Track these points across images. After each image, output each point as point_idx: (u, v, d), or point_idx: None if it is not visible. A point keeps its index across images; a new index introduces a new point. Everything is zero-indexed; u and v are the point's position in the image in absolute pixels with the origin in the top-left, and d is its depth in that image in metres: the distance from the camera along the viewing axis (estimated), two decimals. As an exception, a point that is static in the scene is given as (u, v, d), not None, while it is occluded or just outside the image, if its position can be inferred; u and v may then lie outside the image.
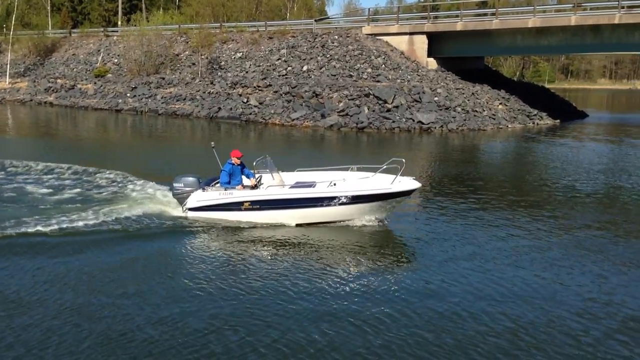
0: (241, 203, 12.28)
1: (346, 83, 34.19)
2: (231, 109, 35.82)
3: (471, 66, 41.20)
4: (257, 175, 13.04)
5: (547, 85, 58.33)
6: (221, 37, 45.65)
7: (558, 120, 37.24)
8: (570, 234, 11.84)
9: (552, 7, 52.05)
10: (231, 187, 12.52)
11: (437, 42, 39.37)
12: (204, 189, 12.73)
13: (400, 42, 39.61)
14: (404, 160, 11.89)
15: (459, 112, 32.77)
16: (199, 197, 12.67)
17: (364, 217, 12.20)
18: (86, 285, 8.69)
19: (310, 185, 12.37)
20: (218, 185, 12.82)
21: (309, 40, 40.67)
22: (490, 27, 36.46)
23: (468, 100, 34.48)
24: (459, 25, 37.54)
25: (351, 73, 35.77)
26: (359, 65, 36.48)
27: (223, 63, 42.48)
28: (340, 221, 12.25)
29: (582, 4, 35.35)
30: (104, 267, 9.45)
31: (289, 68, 38.18)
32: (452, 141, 27.97)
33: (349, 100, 32.65)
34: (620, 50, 38.44)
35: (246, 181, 12.81)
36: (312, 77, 36.16)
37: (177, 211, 12.91)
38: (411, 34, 39.39)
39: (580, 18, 33.42)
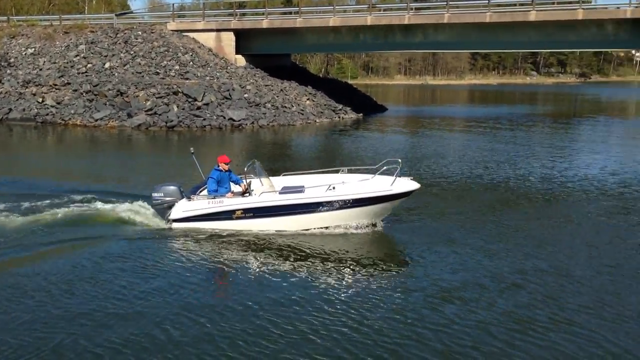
0: (233, 211, 11.53)
1: (153, 81, 32.97)
2: (24, 109, 32.67)
3: (279, 63, 42.15)
4: (246, 182, 12.17)
5: (350, 81, 61.78)
6: (9, 31, 41.32)
7: (361, 114, 39.65)
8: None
9: (350, 7, 55.19)
10: (220, 194, 11.71)
11: (245, 39, 39.64)
12: (189, 198, 11.86)
13: (208, 39, 39.22)
14: (399, 160, 11.77)
15: (269, 109, 33.35)
16: (185, 207, 11.76)
17: (362, 220, 11.72)
18: (59, 310, 8.01)
19: (301, 190, 11.72)
20: (204, 193, 12.00)
21: (110, 36, 38.43)
22: (295, 25, 37.59)
23: (277, 96, 35.23)
24: (265, 23, 38.17)
25: (158, 70, 34.56)
26: (165, 62, 35.38)
27: (12, 60, 38.45)
28: (338, 226, 11.69)
29: (376, 5, 37.96)
30: (81, 290, 8.72)
31: (89, 65, 35.75)
32: (264, 137, 28.39)
33: (156, 98, 31.53)
34: (408, 49, 41.92)
35: (236, 188, 12.05)
36: (116, 74, 34.27)
37: (154, 222, 12.06)
38: (218, 30, 39.18)
39: (375, 18, 35.85)
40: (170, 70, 34.57)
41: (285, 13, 43.21)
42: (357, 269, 9.84)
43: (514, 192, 15.92)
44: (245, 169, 12.32)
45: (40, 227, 11.61)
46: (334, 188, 11.46)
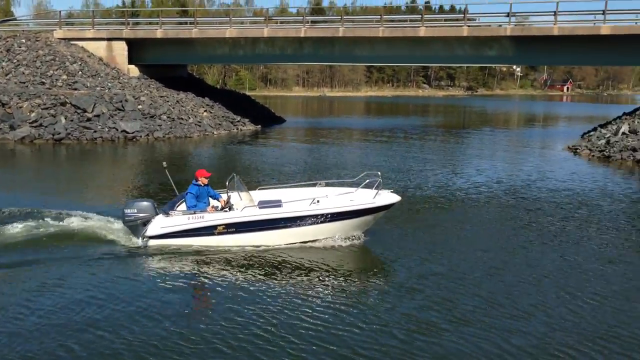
0: (214, 227, 11.15)
1: (38, 91, 31.11)
2: None
3: (175, 74, 41.26)
4: (225, 196, 11.82)
5: (248, 93, 61.59)
6: None
7: (259, 126, 39.60)
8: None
9: (247, 19, 55.07)
10: (200, 210, 11.32)
11: (138, 49, 38.45)
12: (167, 213, 11.37)
13: (98, 48, 37.67)
14: (379, 173, 11.86)
15: (164, 120, 32.50)
16: (162, 223, 11.27)
17: (346, 233, 11.70)
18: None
19: (279, 204, 11.56)
20: (181, 208, 11.57)
21: (-11, 43, 35.96)
22: (191, 36, 36.98)
23: (173, 108, 34.42)
24: (160, 33, 37.26)
25: (43, 80, 32.69)
26: (52, 71, 33.55)
27: None
28: (322, 239, 11.61)
29: (273, 18, 38.13)
30: (48, 317, 8.21)
31: (-34, 74, 33.21)
32: (160, 149, 27.61)
33: (42, 109, 29.77)
34: (305, 61, 42.43)
35: (216, 203, 11.74)
36: (-4, 84, 32.05)
37: (126, 239, 11.54)
38: (109, 39, 37.74)
39: (272, 30, 36.02)
40: (57, 80, 32.83)
41: (180, 23, 42.32)
42: (344, 282, 9.91)
43: (409, 200, 16.48)
44: (227, 183, 11.93)
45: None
46: (318, 201, 11.45)
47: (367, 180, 11.87)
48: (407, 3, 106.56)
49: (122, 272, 10.07)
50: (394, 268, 10.70)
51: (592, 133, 31.49)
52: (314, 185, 12.63)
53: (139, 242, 11.50)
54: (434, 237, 12.59)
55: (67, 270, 10.04)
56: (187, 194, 11.70)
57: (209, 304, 8.94)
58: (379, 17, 34.85)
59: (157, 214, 11.63)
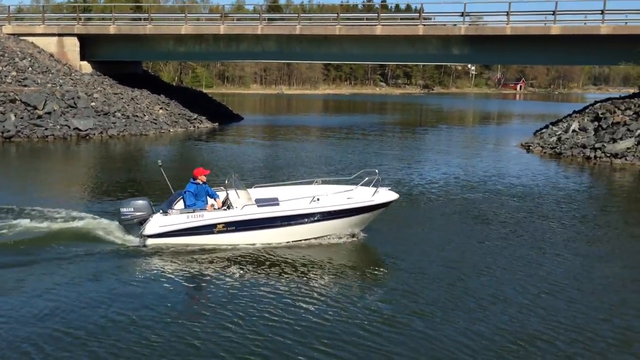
0: (214, 225, 11.10)
1: (-15, 88, 30.04)
2: None
3: (130, 71, 40.43)
4: (223, 195, 11.75)
5: (205, 90, 60.89)
6: None
7: (217, 124, 39.21)
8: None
9: (203, 15, 54.48)
10: (200, 208, 11.25)
11: (90, 45, 37.53)
12: (166, 212, 11.23)
13: (49, 44, 36.62)
14: (377, 170, 11.86)
15: (119, 118, 31.84)
16: (161, 222, 11.13)
17: (345, 231, 11.77)
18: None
19: (276, 202, 11.54)
20: (179, 207, 11.47)
21: None
22: (145, 32, 36.31)
23: (128, 105, 33.76)
24: (113, 29, 36.46)
25: (-9, 76, 31.58)
26: (0, 67, 32.44)
27: None
28: (322, 237, 11.64)
29: (229, 15, 37.79)
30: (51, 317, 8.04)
31: None
32: (115, 147, 27.04)
33: (-10, 107, 28.77)
34: (262, 59, 42.19)
35: (214, 202, 11.67)
36: (-60, 80, 30.80)
37: (122, 239, 11.40)
38: (60, 35, 36.73)
39: (228, 27, 35.69)
40: (6, 76, 31.72)
41: (134, 19, 41.51)
42: (342, 279, 9.92)
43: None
44: (226, 181, 11.88)
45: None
46: (318, 200, 11.43)
47: (366, 178, 11.92)
48: (363, 2, 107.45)
49: (120, 271, 9.92)
50: (391, 266, 10.75)
51: (544, 130, 32.30)
52: (311, 183, 12.67)
53: (135, 240, 11.34)
54: (397, 233, 12.69)
55: (64, 270, 9.86)
56: (185, 192, 11.57)
57: (209, 302, 8.80)
58: (336, 15, 34.93)
59: (153, 213, 11.50)
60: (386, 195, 11.91)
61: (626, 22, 31.70)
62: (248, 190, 12.15)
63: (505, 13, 31.94)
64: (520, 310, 8.63)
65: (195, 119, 37.73)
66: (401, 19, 37.69)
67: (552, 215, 14.81)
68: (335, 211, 11.44)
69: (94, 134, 29.58)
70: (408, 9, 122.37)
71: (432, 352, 7.30)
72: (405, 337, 7.67)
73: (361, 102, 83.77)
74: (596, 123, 27.81)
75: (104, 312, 8.25)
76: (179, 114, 37.13)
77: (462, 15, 32.79)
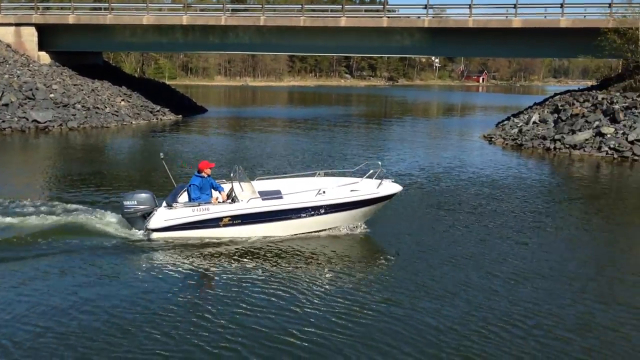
0: (220, 219, 10.98)
1: (-62, 78, 29.03)
2: None
3: (90, 61, 39.53)
4: (227, 188, 11.73)
5: (168, 82, 59.90)
6: None
7: (180, 116, 38.71)
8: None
9: (166, 5, 53.62)
10: (205, 202, 11.13)
11: (49, 35, 36.53)
12: (171, 205, 11.10)
13: (5, 34, 35.55)
14: (380, 162, 12.02)
15: (79, 110, 31.16)
16: (166, 216, 10.99)
17: (350, 223, 11.77)
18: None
19: (279, 194, 11.52)
20: (182, 200, 11.36)
21: None
22: (105, 22, 35.54)
23: (88, 97, 33.05)
24: (72, 18, 35.57)
25: (-56, 67, 30.52)
26: (-47, 58, 31.38)
27: None
28: (327, 229, 11.64)
29: (192, 5, 37.25)
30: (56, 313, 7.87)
31: None
32: (75, 140, 26.46)
33: (-57, 98, 27.82)
34: (226, 50, 41.83)
35: (219, 195, 11.58)
36: None
37: (125, 232, 11.27)
38: (17, 25, 35.68)
39: (191, 18, 35.20)
40: (-41, 67, 30.74)
41: (95, 8, 40.62)
42: (348, 270, 9.96)
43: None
44: (232, 174, 11.78)
45: None
46: (324, 192, 11.38)
47: (371, 171, 11.90)
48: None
49: (126, 266, 9.78)
50: (392, 256, 10.91)
51: (505, 122, 32.83)
52: (313, 175, 12.68)
53: (138, 234, 11.22)
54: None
55: (69, 264, 9.70)
56: (190, 185, 11.46)
57: (217, 296, 8.71)
58: (300, 6, 34.78)
59: (156, 206, 11.37)
60: (390, 187, 11.93)
61: (585, 16, 32.37)
62: (252, 182, 12.07)
63: (468, 6, 32.28)
64: (488, 296, 8.76)
65: (158, 111, 37.17)
66: (365, 10, 37.78)
67: (513, 205, 15.08)
68: (341, 204, 11.43)
69: (53, 127, 28.90)
70: (372, 1, 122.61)
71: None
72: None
73: (326, 94, 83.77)
74: (556, 115, 28.40)
75: (111, 308, 8.13)
76: (142, 106, 36.53)
77: (425, 8, 33.02)
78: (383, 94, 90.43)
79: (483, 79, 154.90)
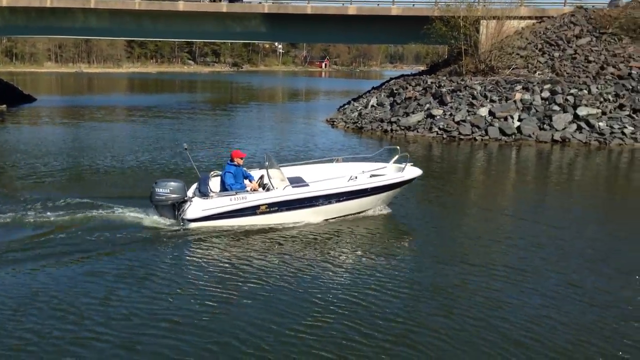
0: (257, 207, 11.21)
1: None
2: None
3: None
4: (257, 176, 11.99)
5: (-11, 69, 54.46)
6: None
7: (4, 105, 35.34)
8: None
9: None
10: (242, 190, 11.36)
11: None
12: (207, 195, 11.26)
13: None
14: (398, 147, 12.62)
15: None
16: (204, 206, 11.09)
17: (378, 205, 12.39)
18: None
19: (302, 181, 11.97)
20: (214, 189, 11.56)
21: None
22: None
23: None
24: None
25: None
26: None
27: None
28: (359, 212, 12.17)
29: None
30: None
31: None
32: None
33: None
34: (57, 34, 38.76)
35: (251, 184, 11.72)
36: None
37: (154, 221, 11.31)
38: None
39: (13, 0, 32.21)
40: None
41: None
42: (386, 250, 10.42)
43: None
44: (267, 163, 11.86)
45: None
46: (356, 178, 11.81)
47: (397, 156, 12.49)
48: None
49: (167, 256, 9.77)
50: (419, 233, 11.68)
51: (346, 106, 34.16)
52: (331, 161, 13.11)
53: (169, 223, 11.30)
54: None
55: (110, 258, 9.56)
56: (225, 173, 11.64)
57: (265, 284, 8.69)
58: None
59: (186, 196, 11.43)
60: (413, 171, 12.47)
61: (414, 4, 34.56)
62: (282, 170, 12.18)
63: (307, -8, 32.98)
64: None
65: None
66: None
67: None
68: (373, 188, 11.93)
69: None
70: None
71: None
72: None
73: (169, 81, 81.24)
74: (391, 99, 30.08)
75: (164, 297, 8.13)
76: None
77: (265, -6, 33.19)
78: (228, 80, 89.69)
79: (325, 64, 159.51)
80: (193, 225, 11.11)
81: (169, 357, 6.61)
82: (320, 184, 11.78)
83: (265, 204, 11.30)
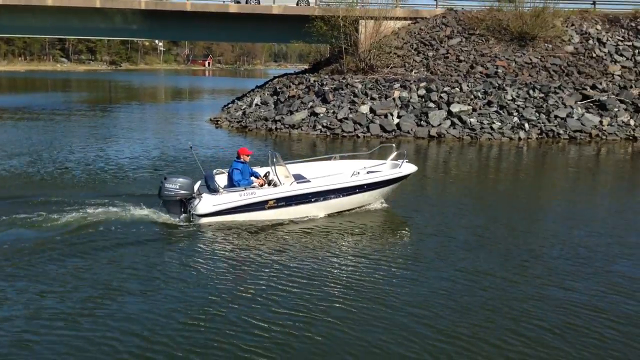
0: (265, 202, 11.75)
1: None
2: None
3: None
4: (273, 170, 12.23)
5: None
6: None
7: None
8: None
9: None
10: (249, 186, 11.82)
11: None
12: (215, 191, 11.68)
13: None
14: (393, 145, 13.69)
15: None
16: (214, 201, 11.51)
17: (377, 200, 13.10)
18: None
19: (304, 178, 12.49)
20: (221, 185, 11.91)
21: None
22: None
23: None
24: None
25: None
26: None
27: None
28: (362, 206, 12.88)
29: None
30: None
31: None
32: None
33: None
34: None
35: (258, 180, 12.19)
36: None
37: (162, 217, 11.65)
38: None
39: None
40: None
41: None
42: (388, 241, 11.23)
43: (56, 184, 15.24)
44: (274, 159, 12.19)
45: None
46: (358, 173, 12.52)
47: (395, 153, 13.27)
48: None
49: (180, 252, 10.05)
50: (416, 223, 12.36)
51: (230, 105, 33.84)
52: (329, 159, 13.68)
53: (176, 218, 11.64)
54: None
55: (122, 254, 9.71)
56: (232, 170, 11.96)
57: (278, 275, 9.02)
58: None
59: (194, 192, 11.85)
60: (409, 167, 13.18)
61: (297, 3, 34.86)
62: (287, 167, 12.59)
63: (186, -11, 32.27)
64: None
65: None
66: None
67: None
68: (374, 183, 12.60)
69: None
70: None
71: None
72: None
73: (41, 80, 76.37)
74: (275, 97, 30.19)
75: (179, 293, 8.27)
76: None
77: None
78: (106, 78, 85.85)
79: (209, 63, 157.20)
80: (204, 220, 11.52)
81: (185, 349, 6.74)
82: (325, 180, 12.59)
83: (274, 199, 11.88)
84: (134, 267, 9.17)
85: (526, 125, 25.81)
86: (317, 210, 12.36)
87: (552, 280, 9.09)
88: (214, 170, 12.70)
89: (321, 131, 25.91)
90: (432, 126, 25.61)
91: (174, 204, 11.72)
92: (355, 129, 25.72)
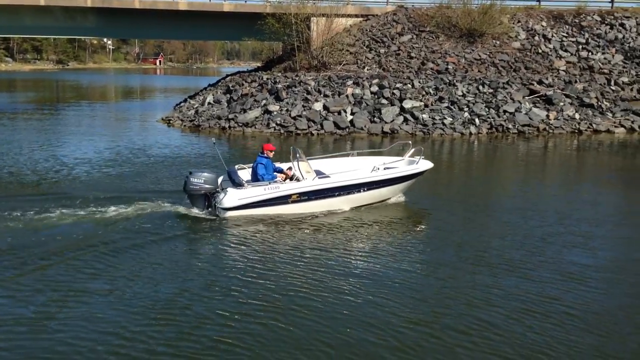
0: (289, 196, 12.07)
1: None
2: None
3: None
4: (296, 166, 12.56)
5: None
6: None
7: None
8: None
9: None
10: (273, 180, 12.16)
11: None
12: (240, 185, 12.03)
13: None
14: (410, 142, 14.09)
15: None
16: (240, 195, 11.91)
17: (395, 195, 13.48)
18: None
19: (324, 174, 12.77)
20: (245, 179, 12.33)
21: None
22: None
23: None
24: None
25: None
26: None
27: None
28: (381, 201, 13.23)
29: None
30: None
31: None
32: None
33: None
34: None
35: (281, 174, 12.59)
36: None
37: (187, 211, 12.17)
38: None
39: None
40: None
41: None
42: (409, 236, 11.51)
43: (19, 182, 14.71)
44: (298, 155, 12.58)
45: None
46: (378, 169, 12.81)
47: (412, 149, 13.61)
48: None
49: (207, 244, 10.63)
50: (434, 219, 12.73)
51: (182, 104, 33.33)
52: (347, 155, 14.08)
53: (201, 212, 12.10)
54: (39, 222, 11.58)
55: (153, 249, 10.06)
56: (257, 164, 12.34)
57: (302, 268, 9.31)
58: None
59: (218, 187, 12.20)
60: (426, 163, 13.45)
61: (246, 1, 34.62)
62: (309, 162, 12.98)
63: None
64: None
65: None
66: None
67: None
68: (394, 178, 12.94)
69: None
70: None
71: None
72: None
73: (-17, 80, 73.56)
74: (228, 95, 29.90)
75: (217, 281, 8.70)
76: None
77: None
78: (53, 78, 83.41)
79: (160, 61, 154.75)
80: (229, 213, 11.91)
81: (221, 342, 6.96)
82: (346, 175, 12.87)
83: (297, 194, 12.22)
84: (173, 259, 9.63)
85: (477, 120, 26.32)
86: (339, 204, 12.77)
87: (508, 270, 9.32)
88: (236, 166, 13.15)
89: (275, 129, 25.79)
90: (385, 122, 25.83)
91: (199, 197, 12.17)
92: (309, 126, 25.70)
